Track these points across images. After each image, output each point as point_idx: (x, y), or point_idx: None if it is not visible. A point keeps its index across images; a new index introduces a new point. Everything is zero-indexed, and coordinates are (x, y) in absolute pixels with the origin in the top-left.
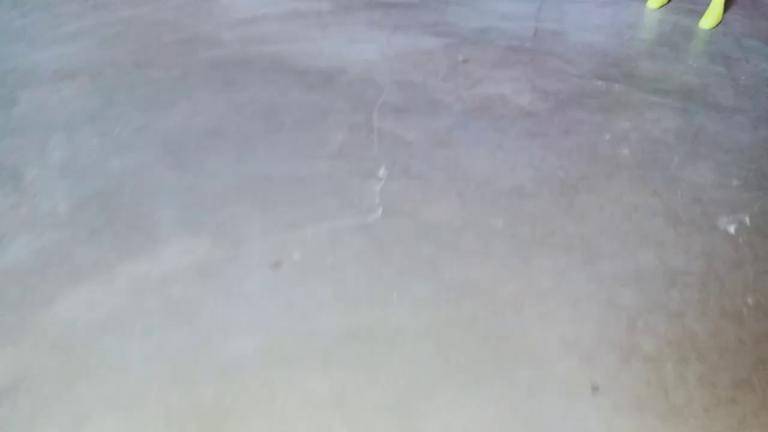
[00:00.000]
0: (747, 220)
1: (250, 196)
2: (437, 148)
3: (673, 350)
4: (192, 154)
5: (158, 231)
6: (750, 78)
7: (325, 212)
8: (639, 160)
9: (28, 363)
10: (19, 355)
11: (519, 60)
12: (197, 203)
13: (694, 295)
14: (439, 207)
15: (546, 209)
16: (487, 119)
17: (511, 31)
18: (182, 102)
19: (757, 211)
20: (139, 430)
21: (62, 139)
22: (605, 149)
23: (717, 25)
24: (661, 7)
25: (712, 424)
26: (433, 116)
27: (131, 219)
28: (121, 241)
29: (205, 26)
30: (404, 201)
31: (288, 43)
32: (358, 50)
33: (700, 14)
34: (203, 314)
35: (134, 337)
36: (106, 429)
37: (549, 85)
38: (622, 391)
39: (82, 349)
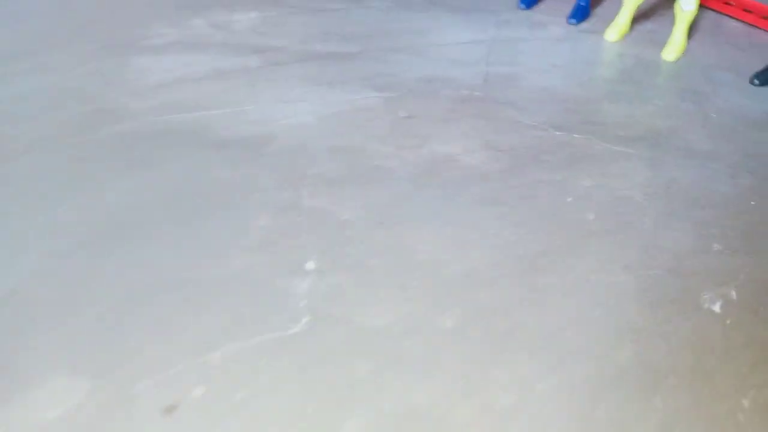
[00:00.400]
0: (733, 293)
1: (146, 313)
2: (377, 228)
3: None
4: (81, 260)
5: (28, 370)
6: (722, 115)
7: (238, 327)
8: (607, 226)
9: None
10: None
11: (469, 112)
12: (80, 329)
13: (680, 401)
14: (377, 307)
15: (503, 299)
16: (435, 186)
17: (459, 79)
18: (76, 192)
19: (744, 281)
20: None
21: None
22: (568, 215)
23: (681, 56)
24: (621, 39)
25: None
26: (372, 187)
27: None
28: None
29: (116, 95)
30: (336, 303)
31: (209, 108)
32: (288, 112)
33: (663, 44)
34: None
35: None
36: None
37: (503, 140)
38: None
39: None
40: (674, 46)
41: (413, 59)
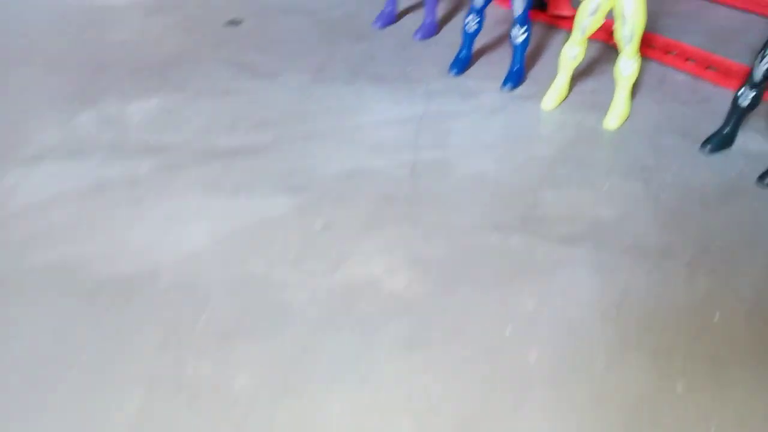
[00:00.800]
0: None
1: None
2: (278, 398)
3: None
4: None
5: None
6: (673, 194)
7: None
8: (552, 368)
9: None
10: None
11: (393, 215)
12: None
13: None
14: None
15: None
16: (351, 326)
17: (383, 172)
18: None
19: None
20: None
21: None
22: (507, 355)
23: (625, 122)
24: (559, 105)
25: None
26: (275, 336)
27: None
28: None
29: None
30: None
31: (82, 240)
32: (180, 235)
33: (605, 107)
34: None
35: None
36: None
37: (431, 252)
38: None
39: None
40: (616, 113)
41: (333, 148)
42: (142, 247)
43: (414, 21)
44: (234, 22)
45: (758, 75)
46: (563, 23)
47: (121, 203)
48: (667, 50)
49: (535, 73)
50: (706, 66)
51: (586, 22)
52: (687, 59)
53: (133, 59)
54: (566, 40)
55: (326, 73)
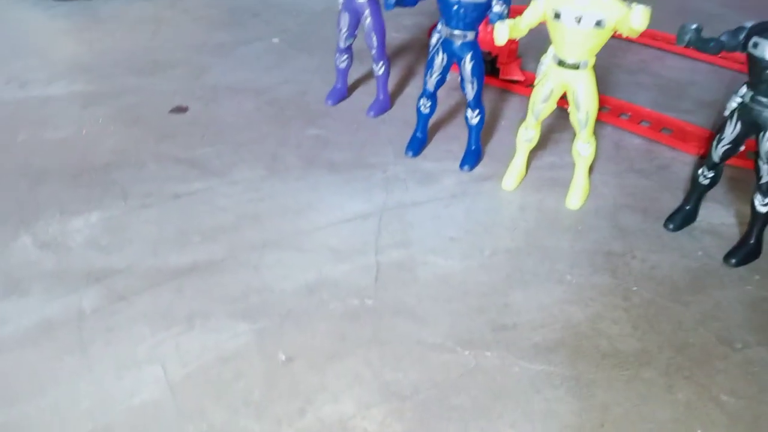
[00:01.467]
0: None
1: None
2: None
3: None
4: None
5: None
6: (642, 285)
7: None
8: None
9: None
10: None
11: (360, 337)
12: None
13: None
14: None
15: None
16: None
17: (346, 281)
18: None
19: None
20: None
21: None
22: None
23: (586, 199)
24: (519, 185)
25: None
26: None
27: None
28: None
29: None
30: None
31: (25, 399)
32: (131, 386)
33: (565, 183)
34: None
35: None
36: None
37: (404, 379)
38: None
39: None
40: (577, 192)
41: (291, 258)
42: (93, 404)
43: (365, 94)
44: (179, 110)
45: (716, 157)
46: (515, 87)
47: (67, 350)
48: (620, 112)
49: (492, 146)
50: (660, 128)
51: (539, 107)
52: (641, 121)
53: (73, 162)
54: (519, 107)
55: (279, 165)
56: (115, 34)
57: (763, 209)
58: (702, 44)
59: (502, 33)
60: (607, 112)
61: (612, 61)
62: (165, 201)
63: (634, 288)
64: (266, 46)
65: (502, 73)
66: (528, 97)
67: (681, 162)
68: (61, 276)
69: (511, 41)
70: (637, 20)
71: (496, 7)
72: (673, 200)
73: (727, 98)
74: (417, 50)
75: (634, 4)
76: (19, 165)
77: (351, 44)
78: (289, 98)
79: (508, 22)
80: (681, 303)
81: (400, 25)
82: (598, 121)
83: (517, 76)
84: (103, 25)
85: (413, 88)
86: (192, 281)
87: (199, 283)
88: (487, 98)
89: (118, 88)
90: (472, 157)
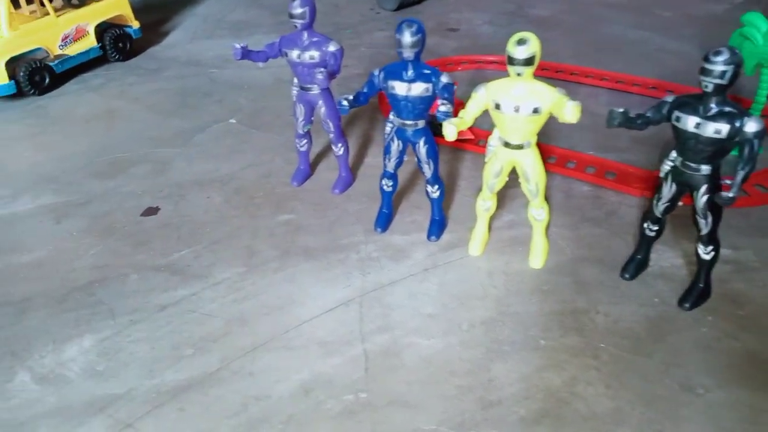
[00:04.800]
0: None
1: None
2: None
3: None
4: None
5: None
6: (609, 341)
7: None
8: None
9: None
10: None
11: None
12: None
13: None
14: None
15: None
16: None
17: (339, 376)
18: None
19: None
20: None
21: None
22: None
23: (547, 257)
24: (484, 250)
25: None
26: None
27: None
28: None
29: None
30: None
31: None
32: None
33: (524, 240)
34: None
35: None
36: None
37: None
38: None
39: None
40: (537, 253)
41: (282, 358)
42: None
43: (328, 169)
44: (150, 212)
45: (658, 213)
46: (467, 145)
47: None
48: (566, 161)
49: (455, 209)
50: (604, 172)
51: (492, 182)
52: (586, 168)
53: (55, 285)
54: (473, 164)
55: (256, 258)
56: (70, 134)
57: (706, 257)
58: (631, 123)
59: (451, 132)
60: (554, 162)
61: None
62: (152, 314)
63: (602, 345)
64: (223, 128)
65: None
66: (479, 154)
67: (627, 205)
68: (65, 411)
69: (459, 102)
70: (569, 116)
71: (442, 107)
72: (624, 246)
73: (660, 132)
74: (370, 115)
75: (566, 100)
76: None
77: (309, 129)
78: (254, 183)
79: (454, 120)
80: (645, 354)
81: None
82: (548, 172)
83: (468, 135)
84: (56, 125)
85: (372, 158)
86: (192, 398)
87: (200, 399)
88: (443, 159)
89: (86, 195)
90: (437, 227)
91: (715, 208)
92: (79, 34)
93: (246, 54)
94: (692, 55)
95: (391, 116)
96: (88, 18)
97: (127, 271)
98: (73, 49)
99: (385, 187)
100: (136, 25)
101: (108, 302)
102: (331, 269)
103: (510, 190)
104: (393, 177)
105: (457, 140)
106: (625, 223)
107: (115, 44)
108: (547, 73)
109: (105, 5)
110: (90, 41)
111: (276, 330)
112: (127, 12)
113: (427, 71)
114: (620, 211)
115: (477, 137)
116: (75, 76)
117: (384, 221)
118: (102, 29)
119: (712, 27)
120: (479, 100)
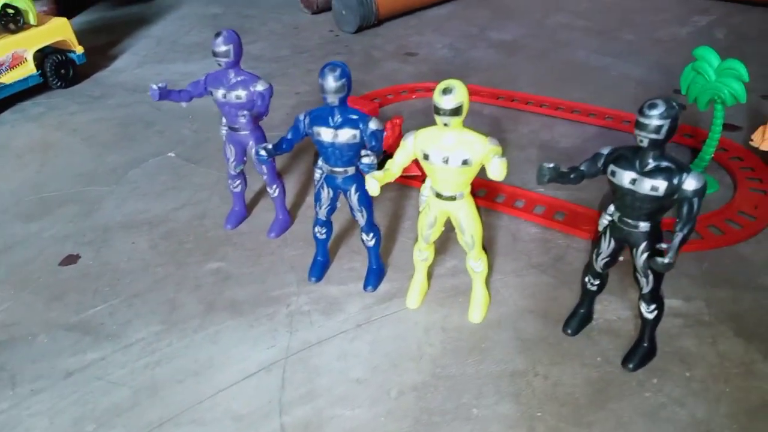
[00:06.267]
0: None
1: None
2: None
3: None
4: None
5: None
6: (546, 408)
7: None
8: None
9: None
10: None
11: None
12: None
13: None
14: None
15: None
16: None
17: None
18: None
19: None
20: None
21: None
22: None
23: (487, 311)
24: (422, 301)
25: None
26: None
27: None
28: None
29: None
30: None
31: None
32: None
33: (464, 290)
34: None
35: None
36: None
37: None
38: None
39: None
40: (477, 306)
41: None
42: None
43: (265, 209)
44: (69, 260)
45: (598, 268)
46: (413, 182)
47: None
48: (515, 200)
49: (396, 254)
50: (553, 213)
51: (427, 233)
52: (534, 207)
53: None
54: (418, 198)
55: (177, 314)
56: (3, 169)
57: (649, 315)
58: (562, 178)
59: (374, 187)
60: (503, 201)
61: (503, 136)
62: (57, 382)
63: (539, 414)
64: (161, 162)
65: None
66: None
67: (575, 249)
68: None
69: (401, 135)
70: (495, 173)
71: (366, 159)
72: (570, 296)
73: None
74: (313, 148)
75: (492, 154)
76: None
77: (242, 169)
78: (186, 226)
79: (378, 174)
80: (584, 425)
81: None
82: (495, 212)
83: (414, 171)
84: None
85: (310, 199)
86: None
87: None
88: (387, 197)
89: (6, 240)
90: (374, 277)
91: None
92: (15, 61)
93: (165, 94)
94: (653, 82)
95: (320, 162)
96: (26, 44)
97: (36, 331)
98: (9, 77)
99: (318, 235)
100: (80, 50)
101: (10, 369)
102: (257, 326)
103: (452, 233)
104: (327, 224)
105: (404, 176)
106: (572, 269)
107: (57, 71)
108: (502, 102)
109: (45, 30)
110: (29, 68)
111: (188, 401)
112: (69, 37)
113: (354, 116)
114: (568, 256)
115: (424, 174)
116: (13, 105)
117: (319, 270)
118: (43, 55)
119: (676, 51)
120: (407, 150)
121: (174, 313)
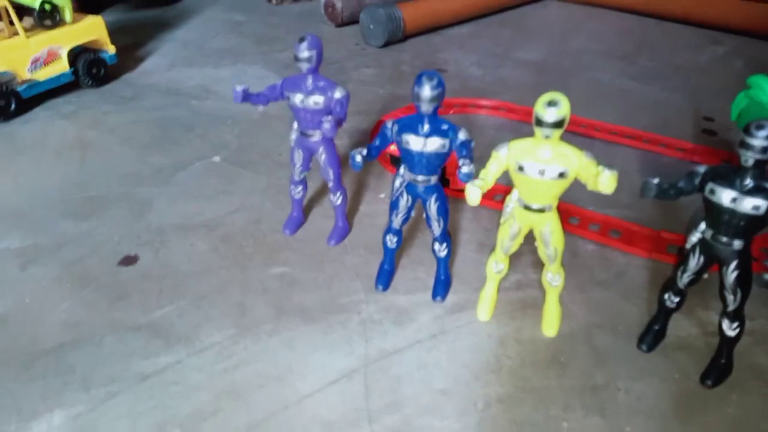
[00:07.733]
0: None
1: None
2: None
3: None
4: None
5: None
6: (634, 421)
7: None
8: None
9: None
10: None
11: None
12: None
13: None
14: None
15: None
16: None
17: None
18: None
19: None
20: None
21: None
22: None
23: (560, 325)
24: (493, 314)
25: None
26: None
27: None
28: None
29: None
30: None
31: None
32: None
33: (535, 304)
34: None
35: None
36: None
37: None
38: None
39: None
40: (551, 320)
41: None
42: None
43: (321, 216)
44: (128, 261)
45: (681, 284)
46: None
47: None
48: (569, 217)
49: (459, 267)
50: (608, 231)
51: (507, 245)
52: (589, 225)
53: (21, 346)
54: (473, 216)
55: (248, 318)
56: (40, 165)
57: (731, 333)
58: (664, 194)
59: (475, 196)
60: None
61: None
62: (132, 385)
63: (628, 428)
64: (207, 166)
65: (452, 183)
66: (480, 206)
67: (635, 266)
68: None
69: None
70: (605, 187)
71: (464, 168)
72: (637, 312)
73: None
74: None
75: (594, 165)
76: None
77: (305, 176)
78: (243, 230)
79: (478, 183)
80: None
81: (341, 131)
82: None
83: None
84: (25, 154)
85: (366, 205)
86: None
87: None
88: None
89: (57, 237)
90: (442, 287)
91: (744, 283)
92: (50, 58)
93: (246, 97)
94: (681, 106)
95: (402, 170)
96: (62, 41)
97: (102, 332)
98: (43, 74)
99: (389, 243)
100: (112, 50)
101: (81, 371)
102: (331, 333)
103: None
104: (398, 233)
105: (456, 190)
106: (635, 286)
107: (89, 70)
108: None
109: (81, 28)
110: (62, 66)
111: (273, 406)
112: (103, 36)
113: (445, 126)
114: (629, 272)
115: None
116: (44, 101)
117: (386, 278)
118: (75, 53)
119: (698, 77)
120: (500, 161)
121: (244, 316)
